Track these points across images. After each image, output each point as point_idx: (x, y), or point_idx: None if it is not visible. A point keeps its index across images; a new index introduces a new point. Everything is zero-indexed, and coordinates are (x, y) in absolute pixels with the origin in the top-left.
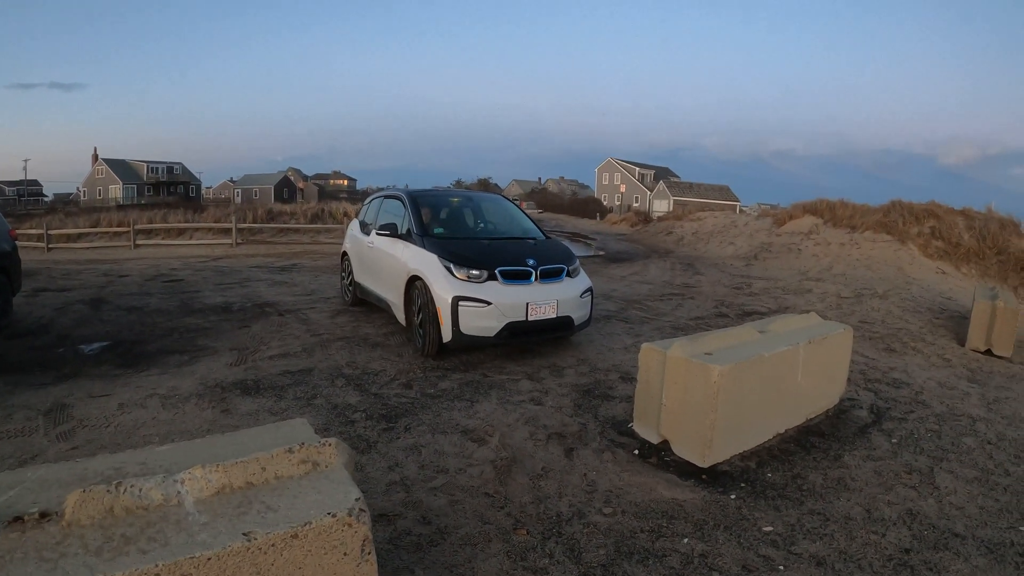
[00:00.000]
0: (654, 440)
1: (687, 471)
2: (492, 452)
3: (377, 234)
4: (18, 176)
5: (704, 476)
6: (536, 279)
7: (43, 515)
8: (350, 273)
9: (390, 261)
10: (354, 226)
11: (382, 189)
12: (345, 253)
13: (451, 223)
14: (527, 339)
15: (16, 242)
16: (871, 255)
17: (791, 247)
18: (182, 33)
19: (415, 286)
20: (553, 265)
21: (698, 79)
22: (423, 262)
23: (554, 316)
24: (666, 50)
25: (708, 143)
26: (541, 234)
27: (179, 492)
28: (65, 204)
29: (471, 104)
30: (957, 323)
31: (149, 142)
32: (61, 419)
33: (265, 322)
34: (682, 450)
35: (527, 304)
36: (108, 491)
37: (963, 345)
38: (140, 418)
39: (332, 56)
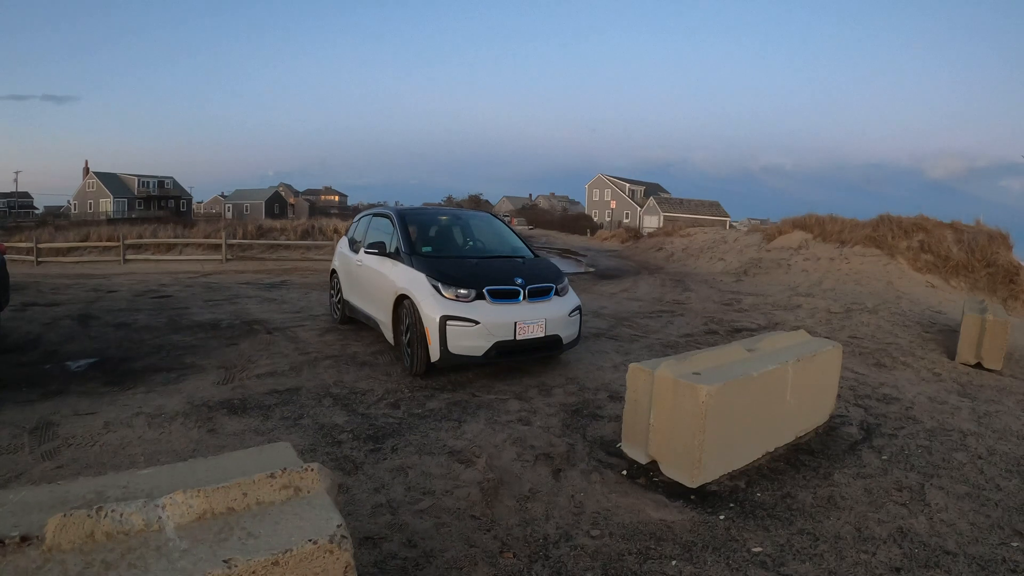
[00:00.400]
0: (642, 460)
1: (676, 492)
2: (479, 474)
3: (365, 252)
4: (9, 188)
5: (693, 496)
6: (524, 298)
7: (24, 539)
8: (339, 291)
9: (378, 279)
10: (343, 244)
11: (373, 205)
12: (334, 271)
13: (439, 241)
14: (515, 358)
15: (4, 256)
16: (861, 270)
17: (781, 262)
18: (175, 48)
19: (403, 305)
20: (541, 284)
21: (687, 95)
22: (411, 281)
23: (542, 335)
24: (655, 67)
25: (698, 159)
26: (530, 252)
27: (160, 517)
28: (56, 217)
29: (463, 121)
30: (947, 337)
31: (140, 156)
32: (46, 437)
33: (253, 340)
34: (671, 470)
35: (515, 323)
36: (89, 516)
37: (953, 359)
38: (126, 437)
39: (324, 73)
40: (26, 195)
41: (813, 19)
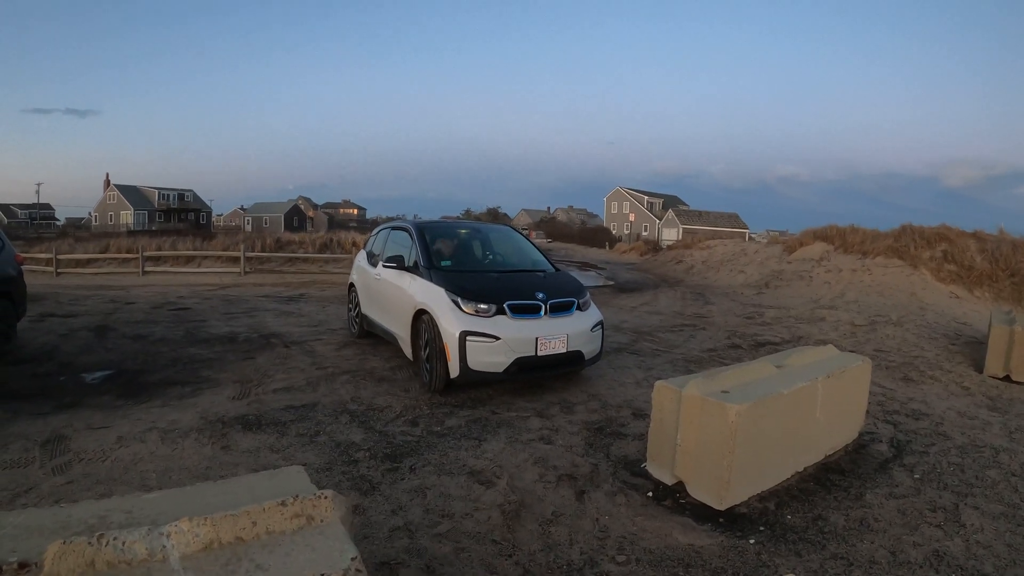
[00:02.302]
0: (668, 481)
1: (703, 514)
2: (500, 495)
3: (384, 266)
4: (31, 199)
5: (721, 519)
6: (546, 313)
7: (22, 565)
8: (357, 305)
9: (397, 294)
10: (361, 257)
11: (391, 219)
12: (352, 284)
13: (459, 255)
14: (537, 375)
15: (22, 267)
16: (883, 281)
17: (802, 274)
18: (197, 63)
19: (422, 320)
20: (563, 299)
21: (704, 107)
22: (430, 295)
23: (564, 351)
24: (671, 80)
25: (715, 171)
26: (551, 266)
27: (164, 546)
28: (76, 228)
29: (481, 134)
30: (974, 349)
31: (161, 169)
32: (58, 451)
33: (270, 354)
34: (698, 492)
35: (536, 339)
36: (89, 543)
37: (981, 372)
38: (138, 453)
39: (344, 87)
40: (47, 207)
41: (828, 28)
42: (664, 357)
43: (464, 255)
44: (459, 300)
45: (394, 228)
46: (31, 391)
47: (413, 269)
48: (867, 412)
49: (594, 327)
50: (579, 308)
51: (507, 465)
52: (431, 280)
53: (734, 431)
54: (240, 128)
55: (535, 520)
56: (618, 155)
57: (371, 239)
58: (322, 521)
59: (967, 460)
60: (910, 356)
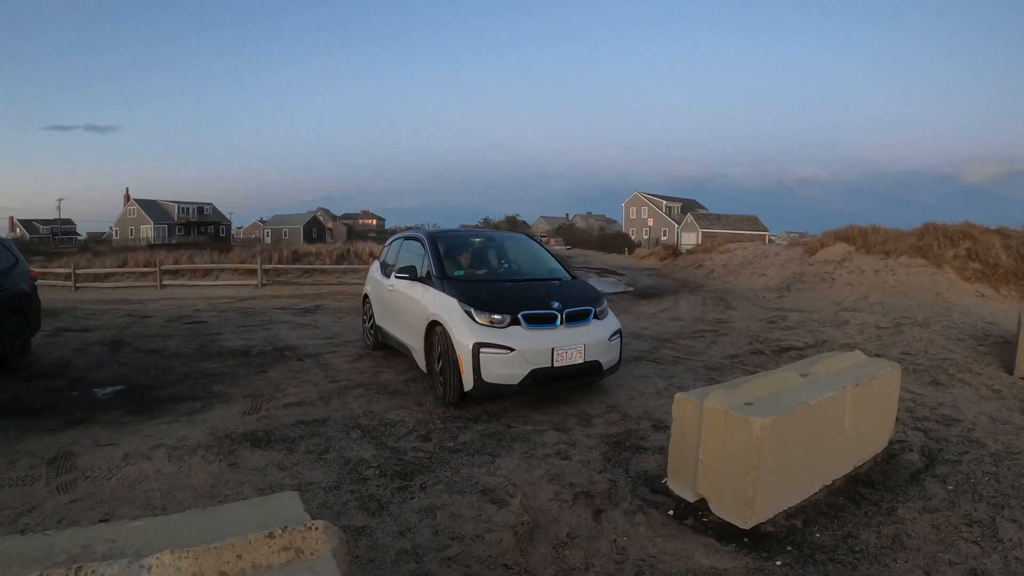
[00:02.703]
0: (690, 498)
1: (727, 534)
2: (513, 516)
3: (396, 276)
4: (53, 215)
5: (746, 539)
6: (562, 322)
7: None
8: (371, 316)
9: (410, 305)
10: (375, 268)
11: (410, 228)
12: (366, 296)
13: (472, 265)
14: (553, 386)
15: (36, 283)
16: (907, 281)
17: (824, 276)
18: (216, 77)
19: (435, 331)
20: (579, 307)
21: (720, 110)
22: (443, 306)
23: (581, 361)
24: (688, 83)
25: (733, 173)
26: (567, 274)
27: None
28: (98, 243)
29: (498, 142)
30: (1003, 349)
31: (181, 183)
32: (64, 468)
33: (283, 367)
34: (721, 510)
35: (552, 349)
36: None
37: (1011, 373)
38: (144, 471)
39: (361, 99)
40: (69, 222)
41: (843, 26)
42: (685, 365)
43: (477, 264)
44: (472, 310)
45: (407, 238)
46: (42, 407)
47: (426, 279)
48: (896, 418)
49: (612, 336)
50: (596, 317)
51: (521, 483)
52: (444, 290)
53: (759, 446)
54: (259, 141)
55: (549, 542)
56: (636, 160)
57: (385, 249)
58: (312, 554)
59: (1002, 469)
60: (938, 359)
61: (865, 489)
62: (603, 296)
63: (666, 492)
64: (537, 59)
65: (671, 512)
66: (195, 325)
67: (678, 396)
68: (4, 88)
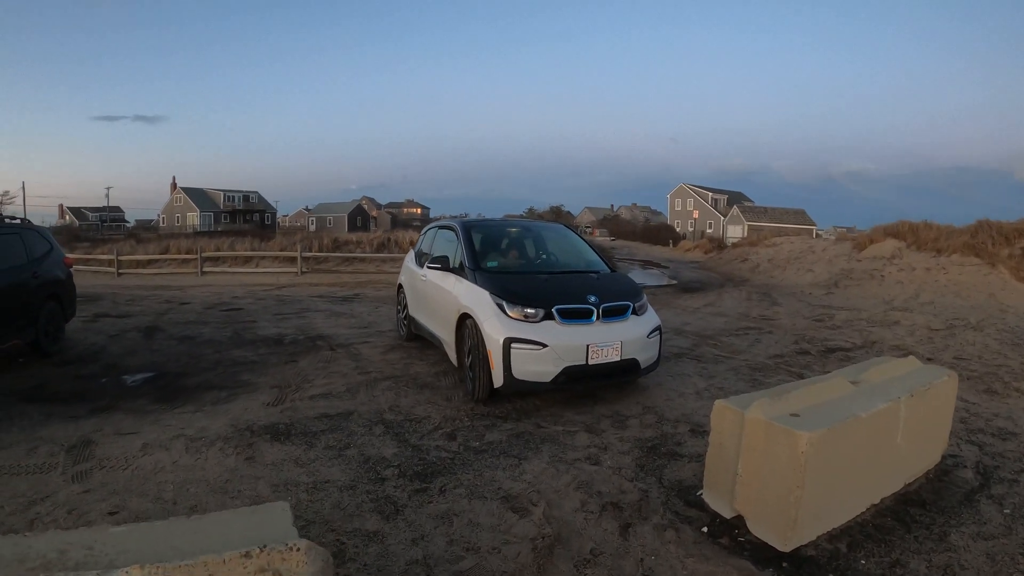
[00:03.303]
0: (727, 514)
1: (765, 556)
2: (534, 527)
3: (428, 267)
4: (102, 203)
5: (785, 564)
6: (598, 318)
7: None
8: (405, 307)
9: (442, 296)
10: (410, 257)
11: (455, 217)
12: (401, 286)
13: (506, 256)
14: (587, 385)
15: (71, 269)
16: (959, 280)
17: (873, 273)
18: (264, 67)
19: (466, 324)
20: (617, 302)
21: (766, 102)
22: (474, 299)
23: (618, 359)
24: (734, 74)
25: (779, 167)
26: (606, 266)
27: None
28: (145, 231)
29: (543, 132)
30: None
31: (227, 171)
32: (82, 457)
33: (314, 357)
34: (759, 529)
35: (587, 346)
36: None
37: None
38: (160, 462)
39: (409, 87)
40: (117, 209)
41: (892, 20)
42: (727, 364)
43: (512, 256)
44: (504, 304)
45: (441, 227)
46: (70, 393)
47: (458, 270)
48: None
49: (651, 333)
50: (635, 312)
51: (546, 490)
52: (475, 282)
53: (804, 462)
54: (307, 130)
55: (570, 559)
56: (681, 152)
57: (420, 238)
58: None
59: None
60: (993, 365)
61: (916, 510)
62: (642, 290)
63: (701, 506)
64: (585, 50)
65: (705, 529)
66: (231, 312)
67: (718, 403)
68: (55, 80)
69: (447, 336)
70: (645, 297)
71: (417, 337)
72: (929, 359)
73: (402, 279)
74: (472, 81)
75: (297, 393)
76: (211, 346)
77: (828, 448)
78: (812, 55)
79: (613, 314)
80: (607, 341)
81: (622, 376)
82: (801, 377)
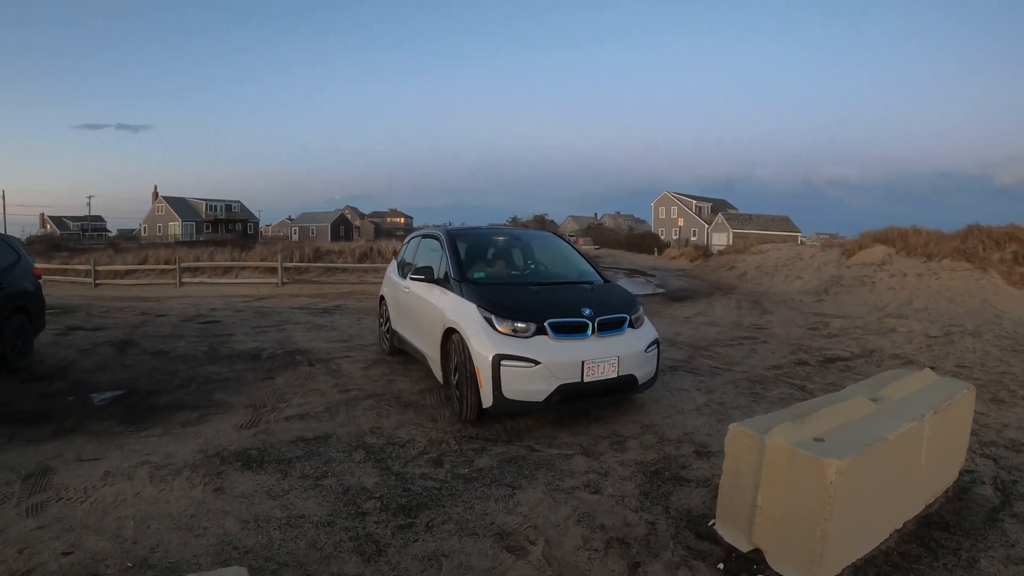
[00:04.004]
0: (743, 547)
1: None
2: (533, 570)
3: (411, 278)
4: (84, 211)
5: None
6: (593, 332)
7: None
8: (387, 320)
9: (426, 309)
10: (392, 268)
11: (439, 226)
12: (383, 298)
13: (494, 266)
14: (583, 404)
15: (41, 281)
16: (952, 286)
17: (864, 280)
18: (247, 77)
19: (452, 340)
20: (613, 315)
21: (747, 109)
22: (460, 312)
23: (615, 375)
24: (714, 81)
25: (762, 174)
26: (599, 277)
27: None
28: (127, 240)
29: (527, 142)
30: None
31: (211, 181)
32: (40, 487)
33: (292, 373)
34: (781, 564)
35: (583, 362)
36: None
37: None
38: (122, 493)
39: (390, 97)
40: (99, 218)
41: (868, 25)
42: (725, 376)
43: (500, 266)
44: (493, 318)
45: (424, 236)
46: (34, 413)
47: (443, 282)
48: None
49: (649, 347)
50: (631, 325)
51: (544, 524)
52: (461, 294)
53: (832, 493)
54: (290, 140)
55: None
56: (664, 160)
57: (403, 248)
58: None
59: None
60: (996, 373)
61: (940, 533)
62: (639, 302)
63: (714, 539)
64: (567, 60)
65: (721, 566)
66: (208, 325)
67: (733, 428)
68: (37, 88)
69: (432, 352)
70: (641, 309)
71: (400, 351)
72: (931, 367)
73: (384, 291)
74: (456, 91)
75: (272, 414)
76: (185, 361)
77: (856, 475)
78: (791, 62)
79: (609, 328)
80: (603, 357)
81: (619, 394)
82: (803, 390)
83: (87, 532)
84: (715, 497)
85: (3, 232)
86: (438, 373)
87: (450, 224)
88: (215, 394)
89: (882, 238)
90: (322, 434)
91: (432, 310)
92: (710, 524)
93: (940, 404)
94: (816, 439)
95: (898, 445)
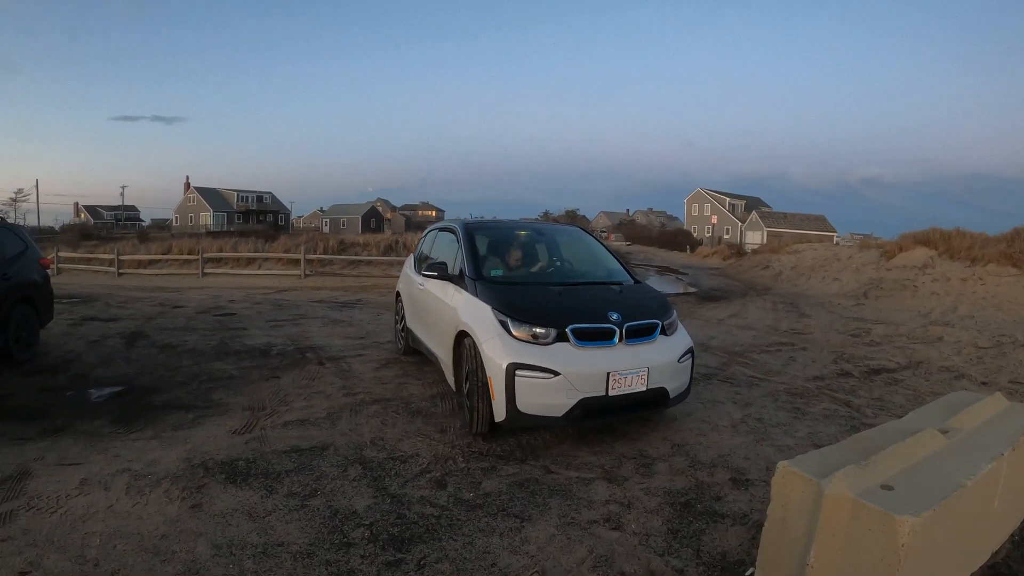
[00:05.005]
0: None
1: None
2: None
3: (424, 274)
4: (118, 201)
5: None
6: (621, 339)
7: None
8: (403, 317)
9: (439, 308)
10: (409, 263)
11: (457, 220)
12: (399, 293)
13: (513, 263)
14: (606, 420)
15: (48, 271)
16: (998, 292)
17: (905, 283)
18: (282, 69)
19: (464, 344)
20: (644, 321)
21: (781, 107)
22: (473, 314)
23: (644, 388)
24: (747, 79)
25: (795, 172)
26: (629, 277)
27: None
28: (160, 229)
29: (560, 137)
30: None
31: (244, 172)
32: (13, 493)
33: (299, 372)
34: None
35: (608, 374)
36: None
37: None
38: (94, 505)
39: (425, 90)
40: (132, 208)
41: (908, 26)
42: (763, 388)
43: (520, 263)
44: (508, 321)
45: (442, 229)
46: (29, 408)
47: (457, 279)
48: None
49: (682, 357)
50: (663, 332)
51: (554, 569)
52: (476, 294)
53: (904, 555)
54: (324, 133)
55: None
56: (697, 157)
57: (420, 241)
58: None
59: None
60: None
61: None
62: (672, 305)
63: None
64: (601, 55)
65: None
66: (223, 318)
67: (783, 467)
68: (75, 81)
69: (444, 355)
70: (675, 314)
71: (415, 351)
72: (983, 383)
73: (400, 286)
74: (490, 86)
75: (270, 418)
76: (192, 357)
77: (929, 532)
78: (825, 60)
79: (639, 335)
80: (632, 368)
81: (648, 409)
82: (848, 405)
83: (50, 549)
84: (754, 539)
85: (11, 221)
86: (450, 379)
87: (472, 216)
88: (215, 393)
89: (923, 240)
90: (319, 444)
91: (445, 310)
92: (748, 574)
93: (1018, 438)
94: (884, 486)
95: (975, 491)
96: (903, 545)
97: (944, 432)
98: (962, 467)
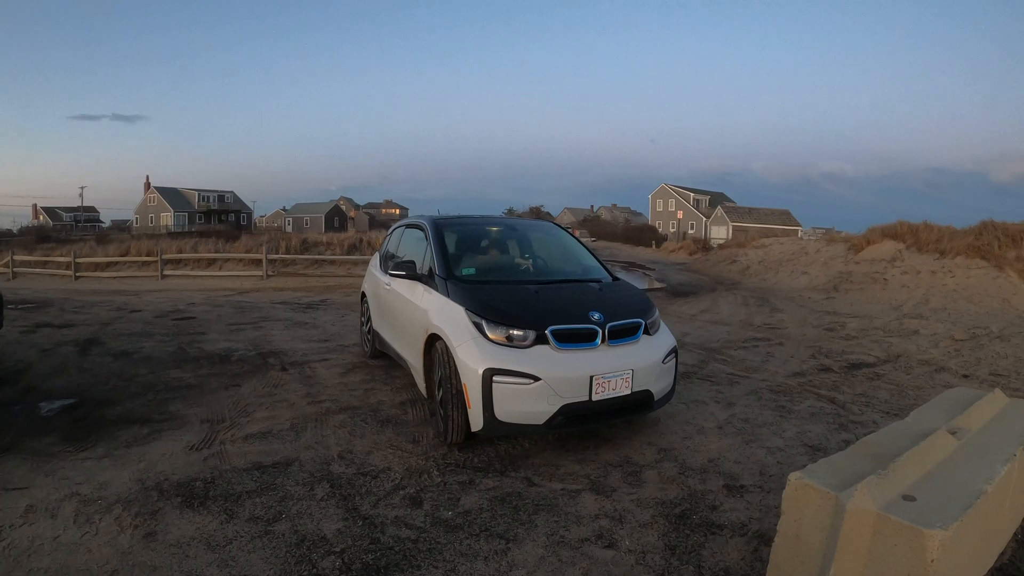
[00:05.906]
0: None
1: None
2: None
3: (391, 274)
4: (77, 202)
5: None
6: (603, 340)
7: None
8: (369, 319)
9: (407, 310)
10: (374, 261)
11: (424, 216)
12: (364, 294)
13: (486, 261)
14: (590, 426)
15: None
16: (968, 284)
17: (875, 277)
18: (242, 67)
19: (436, 347)
20: (627, 320)
21: (743, 102)
22: (445, 316)
23: (628, 392)
24: (710, 75)
25: (758, 167)
26: (607, 273)
27: None
28: (119, 231)
29: (522, 134)
30: None
31: (206, 171)
32: None
33: (261, 380)
34: None
35: (591, 377)
36: None
37: None
38: (39, 536)
39: (386, 88)
40: (92, 209)
41: (867, 21)
42: (744, 385)
43: (493, 261)
44: (483, 323)
45: (409, 225)
46: None
47: (427, 279)
48: None
49: (667, 357)
50: (647, 331)
51: None
52: (447, 294)
53: (934, 570)
54: (285, 131)
55: None
56: (660, 153)
57: (386, 238)
58: None
59: None
60: None
61: None
62: (654, 304)
63: None
64: (563, 52)
65: None
66: (182, 322)
67: (795, 480)
68: (32, 79)
69: (414, 360)
70: (657, 312)
71: (383, 354)
72: (965, 375)
73: (365, 286)
74: (452, 83)
75: (230, 431)
76: (148, 365)
77: (956, 544)
78: (787, 56)
79: (622, 335)
80: (615, 371)
81: (633, 413)
82: (833, 402)
83: None
84: (756, 551)
85: None
86: (421, 385)
87: (438, 213)
88: (172, 405)
89: (891, 233)
90: (282, 459)
91: (414, 311)
92: None
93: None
94: (906, 497)
95: (993, 495)
96: (932, 561)
97: (953, 433)
98: (979, 471)
